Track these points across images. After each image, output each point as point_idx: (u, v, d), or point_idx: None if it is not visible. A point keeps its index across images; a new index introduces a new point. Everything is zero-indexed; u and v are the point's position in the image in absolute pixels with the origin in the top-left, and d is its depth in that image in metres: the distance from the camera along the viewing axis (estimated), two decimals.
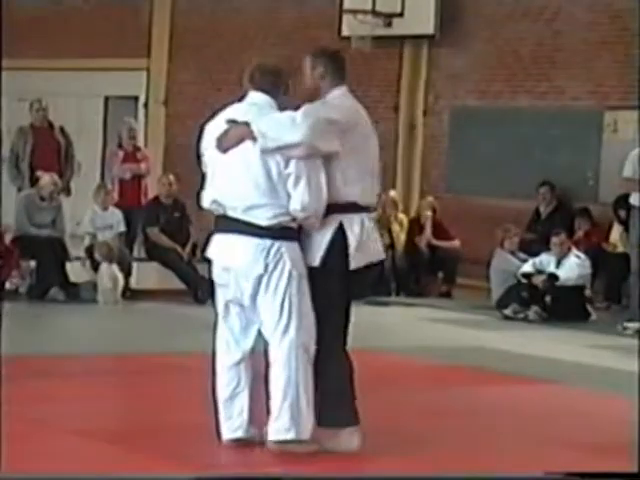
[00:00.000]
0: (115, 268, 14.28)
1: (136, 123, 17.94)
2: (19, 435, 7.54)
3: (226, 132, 6.88)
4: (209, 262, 7.34)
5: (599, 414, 8.74)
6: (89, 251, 14.50)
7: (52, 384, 9.30)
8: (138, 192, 15.79)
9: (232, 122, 6.84)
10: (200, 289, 14.24)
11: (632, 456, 5.71)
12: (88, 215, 14.97)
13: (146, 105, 18.85)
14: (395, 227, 15.68)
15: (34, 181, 14.54)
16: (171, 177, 15.51)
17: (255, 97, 7.07)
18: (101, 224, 14.85)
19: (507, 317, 13.67)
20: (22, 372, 9.34)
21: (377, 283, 14.59)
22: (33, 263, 14.07)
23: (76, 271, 14.53)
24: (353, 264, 7.19)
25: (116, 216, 15.00)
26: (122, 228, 14.95)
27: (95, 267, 14.31)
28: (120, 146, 15.84)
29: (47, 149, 14.73)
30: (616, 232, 15.06)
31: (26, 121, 14.89)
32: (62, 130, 14.73)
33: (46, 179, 14.15)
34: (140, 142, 17.56)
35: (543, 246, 14.41)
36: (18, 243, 13.86)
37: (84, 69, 18.30)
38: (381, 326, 13.28)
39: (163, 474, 5.47)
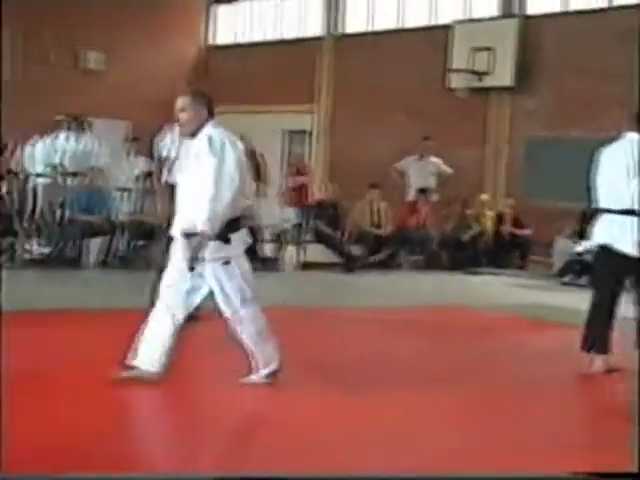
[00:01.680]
0: (293, 248, 14.50)
1: (305, 149, 18.17)
2: None
3: None
4: None
5: None
6: (277, 235, 14.53)
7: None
8: (306, 196, 15.94)
9: None
10: (350, 263, 14.33)
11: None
12: (275, 212, 14.97)
13: (311, 135, 18.92)
14: (486, 220, 15.64)
15: None
16: (330, 186, 15.69)
17: None
18: (283, 218, 15.00)
19: (565, 283, 13.56)
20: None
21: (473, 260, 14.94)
22: None
23: (268, 249, 14.48)
24: None
25: (292, 212, 15.13)
26: (296, 220, 15.01)
27: (280, 246, 14.46)
28: (293, 165, 15.99)
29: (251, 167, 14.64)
30: None
31: None
32: (259, 154, 14.86)
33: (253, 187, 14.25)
34: (307, 162, 17.77)
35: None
36: None
37: (271, 111, 18.41)
38: (475, 289, 13.23)
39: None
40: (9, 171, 13.94)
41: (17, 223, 12.79)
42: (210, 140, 6.14)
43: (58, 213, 13.13)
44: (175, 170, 6.50)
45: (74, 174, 13.67)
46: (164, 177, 8.84)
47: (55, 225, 13.01)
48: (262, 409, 6.18)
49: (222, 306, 6.36)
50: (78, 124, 14.29)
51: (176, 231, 6.29)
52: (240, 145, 6.32)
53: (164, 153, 8.93)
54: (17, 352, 7.14)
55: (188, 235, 6.16)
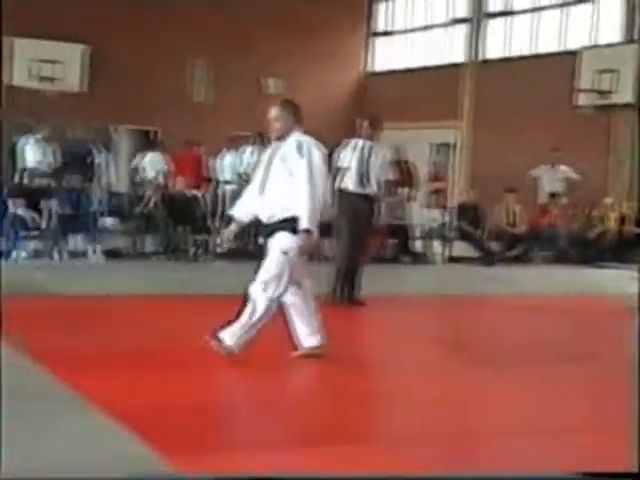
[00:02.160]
0: (439, 243, 14.85)
1: (449, 159, 18.36)
2: None
3: None
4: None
5: None
6: (426, 233, 14.81)
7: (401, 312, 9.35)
8: (445, 199, 16.24)
9: None
10: (490, 257, 14.59)
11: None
12: (424, 212, 15.30)
13: (455, 147, 19.12)
14: (609, 221, 15.67)
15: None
16: (472, 191, 15.96)
17: None
18: (430, 217, 15.29)
19: None
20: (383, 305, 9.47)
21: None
22: (391, 241, 14.28)
23: (418, 245, 14.69)
24: None
25: (438, 213, 15.39)
26: (442, 220, 15.19)
27: (428, 243, 14.76)
28: (432, 172, 16.15)
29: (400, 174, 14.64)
30: None
31: None
32: (411, 164, 15.13)
33: (405, 192, 14.53)
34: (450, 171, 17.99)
35: None
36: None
37: (421, 127, 18.68)
38: (601, 281, 13.19)
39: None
40: (207, 179, 14.86)
41: (210, 222, 13.61)
42: (299, 144, 6.17)
43: None
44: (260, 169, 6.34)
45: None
46: (337, 183, 9.16)
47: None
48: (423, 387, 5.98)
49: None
50: (261, 140, 15.06)
51: (267, 219, 6.15)
52: (324, 150, 6.32)
53: (339, 164, 9.15)
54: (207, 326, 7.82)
55: (284, 224, 6.06)
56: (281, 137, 6.27)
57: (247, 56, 18.61)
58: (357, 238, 9.14)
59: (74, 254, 12.17)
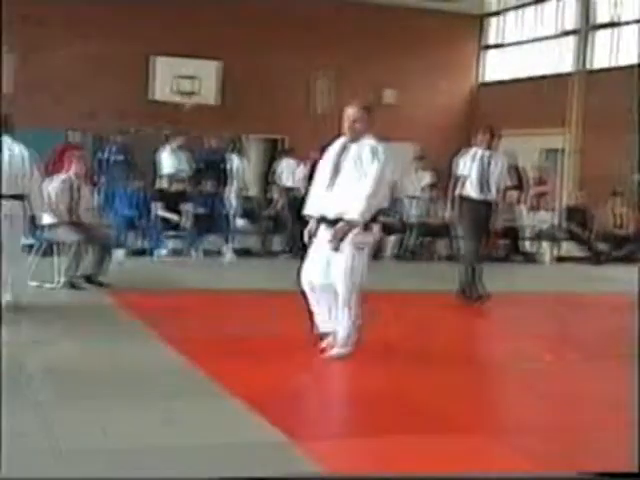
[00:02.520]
0: (547, 244, 14.53)
1: (557, 164, 17.97)
2: None
3: None
4: None
5: None
6: (536, 234, 14.48)
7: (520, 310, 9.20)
8: (552, 201, 15.82)
9: None
10: (597, 257, 14.08)
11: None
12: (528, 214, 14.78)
13: (563, 152, 18.71)
14: None
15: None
16: (579, 193, 15.57)
17: None
18: (539, 219, 14.74)
19: None
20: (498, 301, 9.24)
21: None
22: (502, 241, 13.87)
23: (528, 245, 14.37)
24: None
25: (546, 215, 14.81)
26: (550, 222, 14.73)
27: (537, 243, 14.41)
28: (536, 176, 15.83)
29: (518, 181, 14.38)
30: None
31: None
32: (522, 168, 14.79)
33: (515, 196, 14.05)
34: (559, 175, 17.61)
35: None
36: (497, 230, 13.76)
37: (531, 134, 18.37)
38: None
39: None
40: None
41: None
42: (375, 149, 6.10)
43: None
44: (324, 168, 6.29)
45: None
46: (457, 190, 9.11)
47: None
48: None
49: (339, 280, 6.15)
50: None
51: (334, 216, 6.09)
52: (393, 160, 6.26)
53: (459, 172, 9.12)
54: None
55: (337, 221, 6.05)
56: (356, 138, 6.20)
57: (366, 68, 18.63)
58: (479, 240, 9.15)
59: (209, 252, 12.36)
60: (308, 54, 18.30)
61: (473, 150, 9.25)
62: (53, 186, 9.10)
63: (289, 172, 14.77)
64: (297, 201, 13.26)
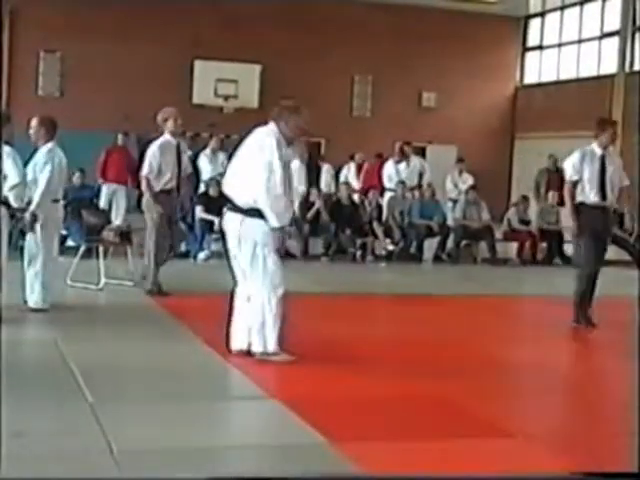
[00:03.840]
0: None
1: None
2: None
3: None
4: None
5: None
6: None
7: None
8: None
9: None
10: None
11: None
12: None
13: None
14: None
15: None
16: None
17: None
18: None
19: None
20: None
21: None
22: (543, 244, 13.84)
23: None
24: None
25: None
26: None
27: None
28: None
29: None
30: None
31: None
32: (561, 169, 14.69)
33: (555, 197, 13.86)
34: None
35: None
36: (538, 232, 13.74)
37: (571, 136, 18.20)
38: None
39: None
40: (372, 187, 14.93)
41: (373, 226, 13.63)
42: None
43: (402, 219, 13.87)
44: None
45: (413, 188, 14.39)
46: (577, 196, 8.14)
47: (400, 228, 13.78)
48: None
49: None
50: (413, 150, 15.09)
51: None
52: None
53: (572, 175, 8.12)
54: (382, 324, 7.87)
55: None
56: None
57: (405, 71, 18.63)
58: (597, 248, 8.25)
59: None
60: (347, 57, 18.34)
61: (588, 149, 8.22)
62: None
63: (328, 176, 14.81)
64: (338, 204, 13.39)
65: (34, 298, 7.67)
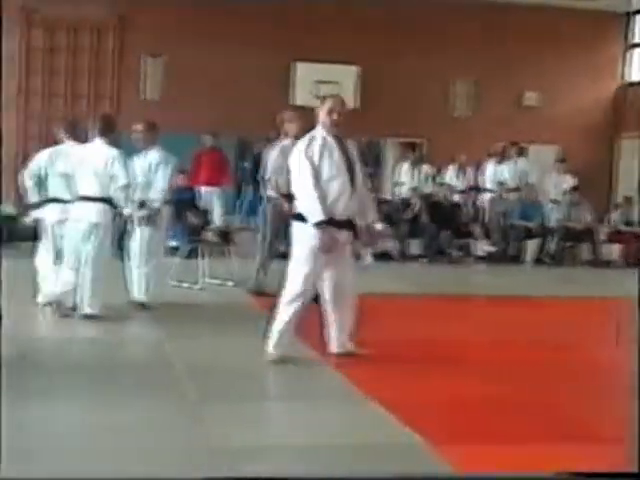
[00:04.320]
0: None
1: None
2: None
3: None
4: None
5: None
6: None
7: None
8: None
9: None
10: None
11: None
12: None
13: None
14: None
15: None
16: None
17: None
18: None
19: None
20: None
21: None
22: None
23: None
24: None
25: None
26: None
27: None
28: None
29: None
30: None
31: None
32: None
33: None
34: None
35: None
36: None
37: None
38: None
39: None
40: (472, 187, 14.87)
41: (473, 227, 13.55)
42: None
43: (502, 220, 13.74)
44: None
45: (514, 189, 14.23)
46: None
47: (500, 229, 13.65)
48: None
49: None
50: (518, 150, 14.91)
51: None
52: None
53: None
54: (480, 325, 7.80)
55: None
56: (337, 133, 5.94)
57: (507, 70, 18.37)
58: None
59: None
60: (448, 57, 18.21)
61: None
62: None
63: (428, 177, 14.76)
64: (436, 205, 13.36)
65: (142, 296, 7.88)
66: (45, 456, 4.03)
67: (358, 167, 5.98)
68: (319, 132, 5.95)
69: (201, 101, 17.36)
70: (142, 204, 7.73)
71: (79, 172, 7.36)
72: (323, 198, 5.75)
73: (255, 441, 4.38)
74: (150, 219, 7.76)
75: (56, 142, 7.89)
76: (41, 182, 7.66)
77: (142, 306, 7.87)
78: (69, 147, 7.66)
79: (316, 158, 5.82)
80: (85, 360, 6.13)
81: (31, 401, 4.86)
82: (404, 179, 14.69)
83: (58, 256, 7.56)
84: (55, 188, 7.60)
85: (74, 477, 3.74)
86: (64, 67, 17.77)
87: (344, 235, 5.92)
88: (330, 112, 5.92)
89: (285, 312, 5.90)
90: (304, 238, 5.79)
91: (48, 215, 7.65)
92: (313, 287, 5.93)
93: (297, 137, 8.08)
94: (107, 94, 17.93)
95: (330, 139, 5.91)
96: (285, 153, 8.53)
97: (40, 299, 7.68)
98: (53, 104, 17.52)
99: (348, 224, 5.93)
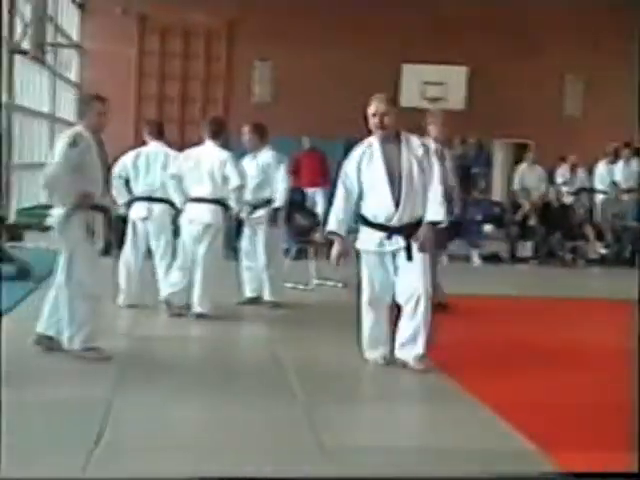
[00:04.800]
0: None
1: None
2: None
3: None
4: None
5: None
6: None
7: None
8: None
9: None
10: None
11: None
12: None
13: None
14: None
15: None
16: None
17: None
18: None
19: None
20: None
21: None
22: None
23: None
24: None
25: None
26: None
27: None
28: None
29: None
30: None
31: None
32: None
33: None
34: None
35: None
36: None
37: None
38: None
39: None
40: (584, 189, 14.58)
41: (585, 229, 13.24)
42: (427, 148, 5.90)
43: (615, 222, 13.37)
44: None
45: (628, 190, 13.85)
46: None
47: (614, 231, 13.27)
48: None
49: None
50: (632, 151, 14.49)
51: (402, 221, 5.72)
52: None
53: None
54: (590, 329, 7.58)
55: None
56: (389, 134, 5.78)
57: (619, 70, 17.89)
58: None
59: (455, 257, 12.34)
60: (557, 58, 17.88)
61: None
62: None
63: (538, 178, 14.48)
64: (548, 207, 13.09)
65: (270, 297, 8.02)
66: (170, 452, 4.10)
67: (416, 168, 5.77)
68: (372, 138, 5.87)
69: (310, 104, 17.49)
70: (255, 206, 7.81)
71: (191, 174, 7.48)
72: (341, 209, 5.78)
73: (365, 442, 4.39)
74: (272, 219, 7.83)
75: (144, 143, 8.09)
76: (127, 182, 7.86)
77: (275, 305, 7.95)
78: (154, 147, 7.89)
79: (354, 165, 5.80)
80: (199, 359, 6.27)
81: (149, 398, 4.96)
82: (521, 180, 14.47)
83: (146, 254, 7.82)
84: (146, 188, 7.79)
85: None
86: (177, 71, 18.20)
87: (397, 241, 5.74)
88: (373, 115, 5.85)
89: (366, 315, 5.86)
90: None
91: (134, 213, 7.86)
92: (385, 291, 5.82)
93: (437, 139, 7.87)
94: (217, 97, 18.27)
95: (377, 144, 5.82)
96: None
97: (120, 301, 7.81)
98: (166, 107, 17.95)
99: (404, 229, 5.75)
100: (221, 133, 7.65)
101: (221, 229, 7.51)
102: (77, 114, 5.90)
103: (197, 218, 7.41)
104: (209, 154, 7.49)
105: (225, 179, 7.40)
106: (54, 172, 5.70)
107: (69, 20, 17.58)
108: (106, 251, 6.53)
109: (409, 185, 5.73)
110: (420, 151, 5.84)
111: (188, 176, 7.49)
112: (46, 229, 13.61)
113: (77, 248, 5.72)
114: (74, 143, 5.67)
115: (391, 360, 5.79)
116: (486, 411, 4.88)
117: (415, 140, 5.91)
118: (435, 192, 5.73)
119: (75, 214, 5.68)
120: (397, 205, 5.70)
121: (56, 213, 5.75)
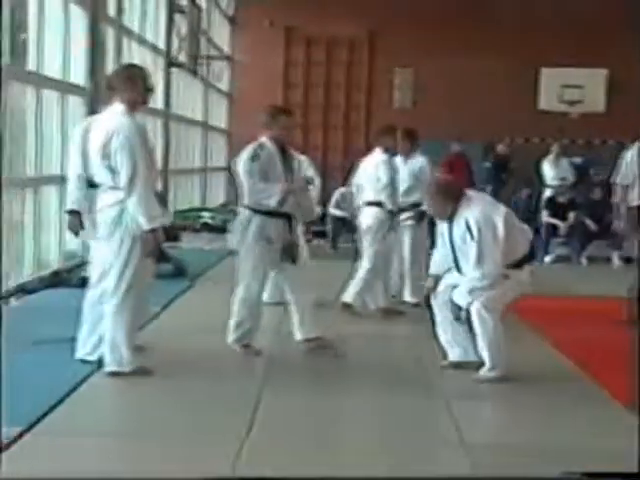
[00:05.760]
0: None
1: None
2: None
3: None
4: None
5: None
6: None
7: None
8: None
9: None
10: None
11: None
12: None
13: None
14: None
15: None
16: None
17: None
18: None
19: None
20: None
21: None
22: None
23: None
24: None
25: None
26: None
27: None
28: None
29: None
30: None
31: None
32: None
33: None
34: None
35: None
36: None
37: None
38: None
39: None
40: None
41: None
42: None
43: None
44: None
45: None
46: None
47: None
48: None
49: None
50: None
51: None
52: None
53: None
54: None
55: None
56: None
57: None
58: None
59: (595, 259, 12.05)
60: None
61: None
62: None
63: None
64: None
65: (406, 294, 8.08)
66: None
67: None
68: None
69: (449, 109, 17.41)
70: (403, 209, 7.79)
71: (365, 180, 7.61)
72: None
73: (504, 438, 4.37)
74: (417, 219, 7.87)
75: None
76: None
77: (415, 305, 7.84)
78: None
79: None
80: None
81: (295, 397, 5.06)
82: None
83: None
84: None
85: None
86: (321, 80, 18.46)
87: None
88: None
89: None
90: None
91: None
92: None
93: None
94: (360, 104, 18.42)
95: None
96: None
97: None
98: (311, 114, 18.23)
99: None
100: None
101: (377, 230, 7.49)
102: (263, 124, 5.98)
103: (362, 221, 7.57)
104: (372, 159, 7.63)
105: (378, 179, 7.44)
106: (250, 189, 5.77)
107: (221, 34, 18.11)
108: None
109: None
110: None
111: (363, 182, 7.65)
112: (199, 230, 14.05)
113: (248, 251, 5.83)
114: (256, 157, 5.78)
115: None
116: (617, 409, 4.78)
117: None
118: None
119: (253, 218, 5.79)
120: None
121: (240, 217, 5.86)
